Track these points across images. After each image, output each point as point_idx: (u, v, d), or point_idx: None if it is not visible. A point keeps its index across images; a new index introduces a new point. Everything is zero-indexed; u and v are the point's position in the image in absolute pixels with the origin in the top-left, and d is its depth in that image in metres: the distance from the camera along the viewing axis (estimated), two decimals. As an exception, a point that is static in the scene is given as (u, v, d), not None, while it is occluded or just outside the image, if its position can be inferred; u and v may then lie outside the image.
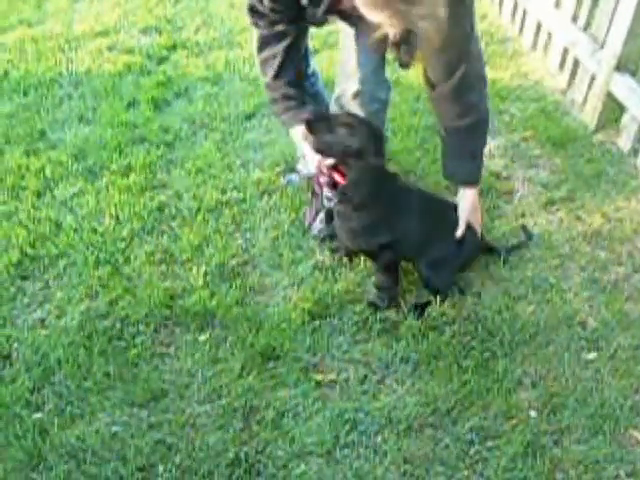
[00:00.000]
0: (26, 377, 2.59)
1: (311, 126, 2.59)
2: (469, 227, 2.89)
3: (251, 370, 2.61)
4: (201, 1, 5.85)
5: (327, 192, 2.66)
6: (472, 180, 2.86)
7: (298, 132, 2.66)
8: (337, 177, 2.66)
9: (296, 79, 2.66)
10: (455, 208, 2.89)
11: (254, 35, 2.60)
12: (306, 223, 3.21)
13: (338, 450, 2.35)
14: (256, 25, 2.56)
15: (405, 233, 2.75)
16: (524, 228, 3.23)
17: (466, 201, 2.86)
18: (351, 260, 3.07)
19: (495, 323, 2.77)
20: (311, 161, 2.66)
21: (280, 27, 2.53)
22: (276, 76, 2.62)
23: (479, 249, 3.02)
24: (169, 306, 2.89)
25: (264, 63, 2.63)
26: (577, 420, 2.44)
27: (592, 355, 2.68)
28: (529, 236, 3.19)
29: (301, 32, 2.63)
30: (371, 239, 2.75)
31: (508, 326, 2.76)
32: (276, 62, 2.59)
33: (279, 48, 2.56)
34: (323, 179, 2.66)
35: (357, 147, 2.55)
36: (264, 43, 2.58)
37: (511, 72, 4.63)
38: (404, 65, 2.47)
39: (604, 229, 3.27)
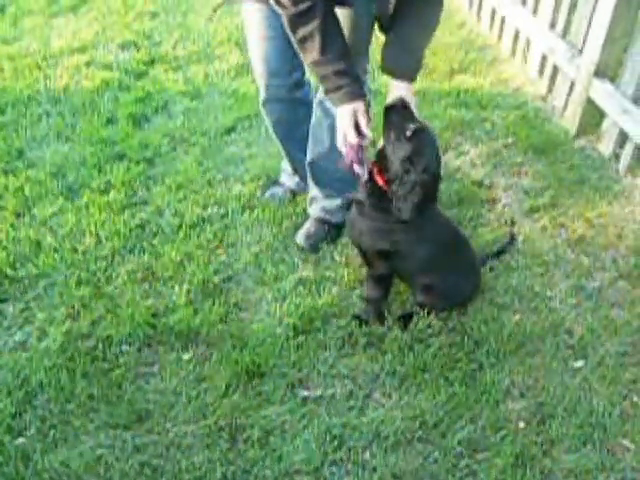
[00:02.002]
0: (7, 402, 2.54)
1: (389, 112, 2.55)
2: (474, 266, 2.90)
3: (236, 388, 2.58)
4: (179, 15, 5.84)
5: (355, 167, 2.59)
6: (413, 74, 2.73)
7: (347, 111, 2.55)
8: (375, 172, 2.60)
9: (344, 52, 2.54)
10: (469, 244, 2.88)
11: (283, 19, 2.49)
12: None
13: (326, 467, 2.32)
14: (279, 4, 2.45)
15: (412, 252, 2.71)
16: (511, 231, 3.22)
17: (407, 91, 2.71)
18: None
19: (481, 333, 2.76)
20: (341, 138, 2.59)
21: (304, 5, 2.42)
22: (322, 52, 2.49)
23: (479, 288, 2.96)
24: (152, 325, 2.85)
25: (302, 42, 2.51)
26: (566, 429, 2.42)
27: (579, 363, 2.67)
28: (512, 238, 3.18)
29: (330, 8, 2.52)
30: (374, 242, 2.71)
31: (494, 336, 2.74)
32: (316, 40, 2.46)
33: (312, 27, 2.45)
34: (351, 154, 2.58)
35: (421, 162, 2.47)
36: (294, 23, 2.47)
37: (491, 79, 4.64)
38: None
39: (588, 235, 3.27)
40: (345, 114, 2.56)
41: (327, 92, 2.59)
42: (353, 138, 2.54)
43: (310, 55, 2.52)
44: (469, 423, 2.45)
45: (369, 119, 2.56)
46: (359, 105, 2.54)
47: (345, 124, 2.56)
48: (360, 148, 2.57)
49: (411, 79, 2.70)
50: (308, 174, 3.19)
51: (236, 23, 5.40)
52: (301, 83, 3.07)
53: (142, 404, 2.53)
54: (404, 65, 2.69)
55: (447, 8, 4.98)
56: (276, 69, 2.97)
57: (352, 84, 2.53)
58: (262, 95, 3.12)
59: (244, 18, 2.97)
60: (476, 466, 2.32)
